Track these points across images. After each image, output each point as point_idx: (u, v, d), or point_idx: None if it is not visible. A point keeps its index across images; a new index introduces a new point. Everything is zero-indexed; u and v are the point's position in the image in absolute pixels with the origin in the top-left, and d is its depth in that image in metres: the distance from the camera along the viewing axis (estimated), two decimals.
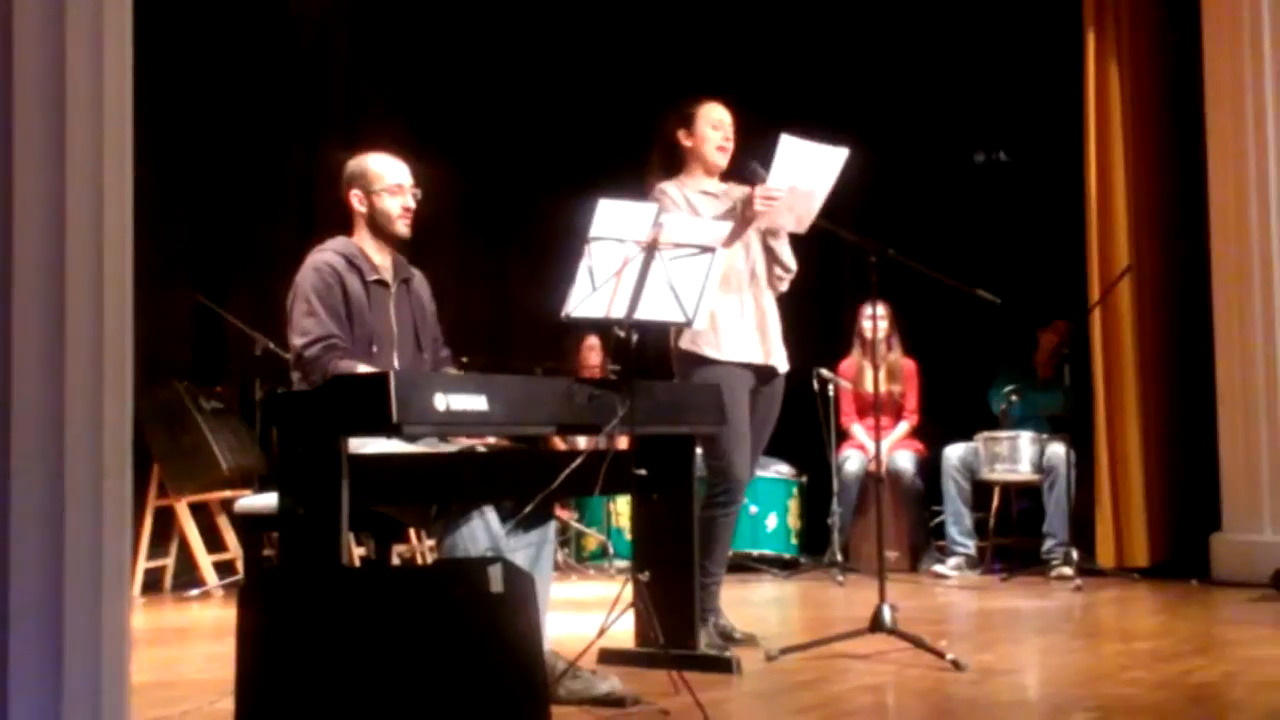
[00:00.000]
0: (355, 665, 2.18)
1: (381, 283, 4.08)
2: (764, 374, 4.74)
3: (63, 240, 2.30)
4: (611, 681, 3.67)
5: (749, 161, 4.62)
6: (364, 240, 4.12)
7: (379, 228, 4.10)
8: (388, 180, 4.09)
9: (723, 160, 4.75)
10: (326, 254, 4.02)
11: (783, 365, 4.81)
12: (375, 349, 3.96)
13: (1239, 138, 6.75)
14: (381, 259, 4.12)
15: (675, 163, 4.78)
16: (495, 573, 2.30)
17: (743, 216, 4.51)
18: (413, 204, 4.12)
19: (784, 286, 4.87)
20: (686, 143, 4.76)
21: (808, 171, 4.44)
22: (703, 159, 4.75)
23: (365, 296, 4.00)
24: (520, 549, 3.85)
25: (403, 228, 4.11)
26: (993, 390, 7.70)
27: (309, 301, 3.92)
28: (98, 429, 2.36)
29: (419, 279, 4.27)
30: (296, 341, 3.92)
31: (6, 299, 2.23)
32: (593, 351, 7.95)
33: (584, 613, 4.11)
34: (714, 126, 4.75)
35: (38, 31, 2.29)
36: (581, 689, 3.63)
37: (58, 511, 2.27)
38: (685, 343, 4.65)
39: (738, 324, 4.67)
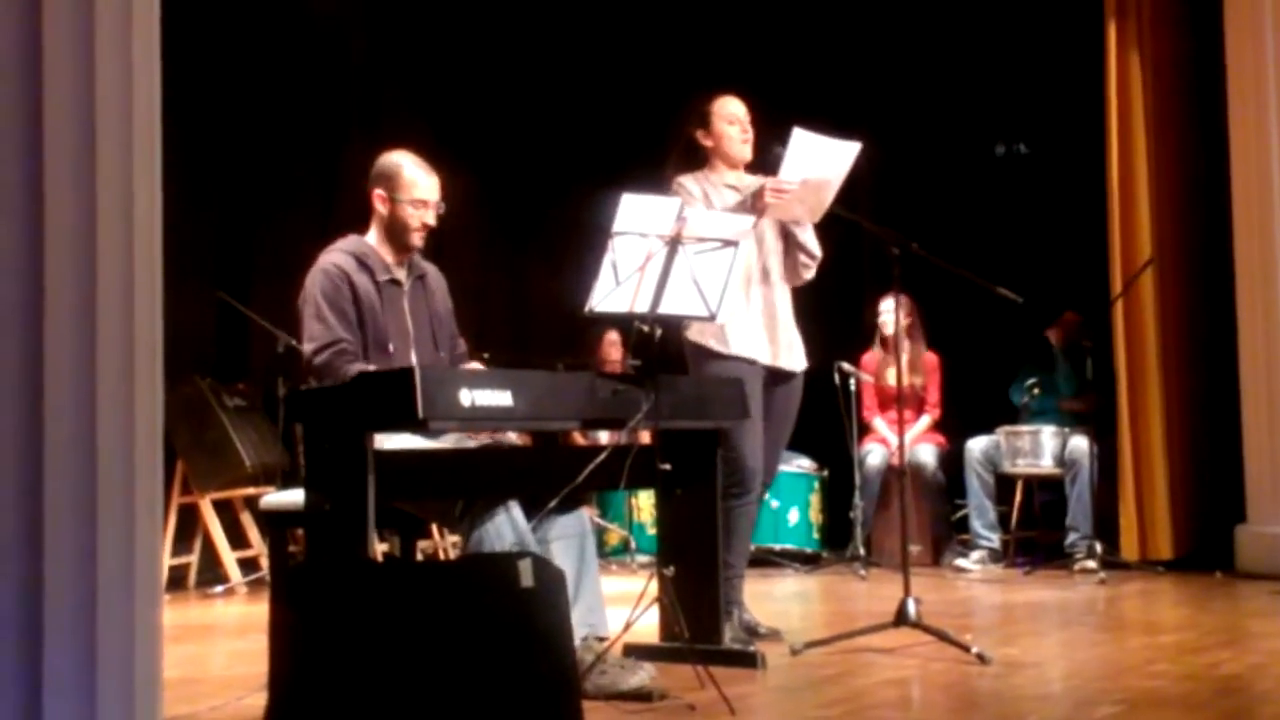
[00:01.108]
0: (388, 661, 2.18)
1: (394, 281, 4.07)
2: (776, 375, 4.74)
3: (94, 242, 2.31)
4: (641, 674, 3.67)
5: (773, 146, 4.63)
6: (378, 239, 4.10)
7: (393, 234, 4.08)
8: (414, 193, 4.05)
9: (746, 152, 4.76)
10: (335, 255, 4.00)
11: (797, 365, 4.80)
12: (391, 348, 3.95)
13: (1262, 128, 6.71)
14: (394, 259, 4.10)
15: (697, 159, 4.78)
16: (525, 567, 2.31)
17: (753, 208, 4.50)
18: (433, 222, 4.09)
19: (809, 275, 4.86)
20: (706, 142, 4.77)
21: (820, 164, 4.43)
22: (725, 155, 4.77)
23: (377, 296, 3.98)
24: (558, 540, 3.86)
25: (416, 240, 4.08)
26: (1014, 386, 7.68)
27: (317, 305, 3.91)
28: (129, 430, 2.37)
29: (434, 275, 4.24)
30: (306, 348, 3.92)
31: (39, 301, 2.24)
32: (614, 347, 7.97)
33: (608, 608, 4.12)
34: (730, 122, 4.76)
35: (67, 34, 2.31)
36: (609, 684, 3.63)
37: (90, 511, 2.28)
38: (693, 334, 4.65)
39: (743, 320, 4.66)
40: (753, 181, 4.73)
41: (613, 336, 8.00)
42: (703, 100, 4.80)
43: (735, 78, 4.99)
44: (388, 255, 4.09)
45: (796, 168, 4.42)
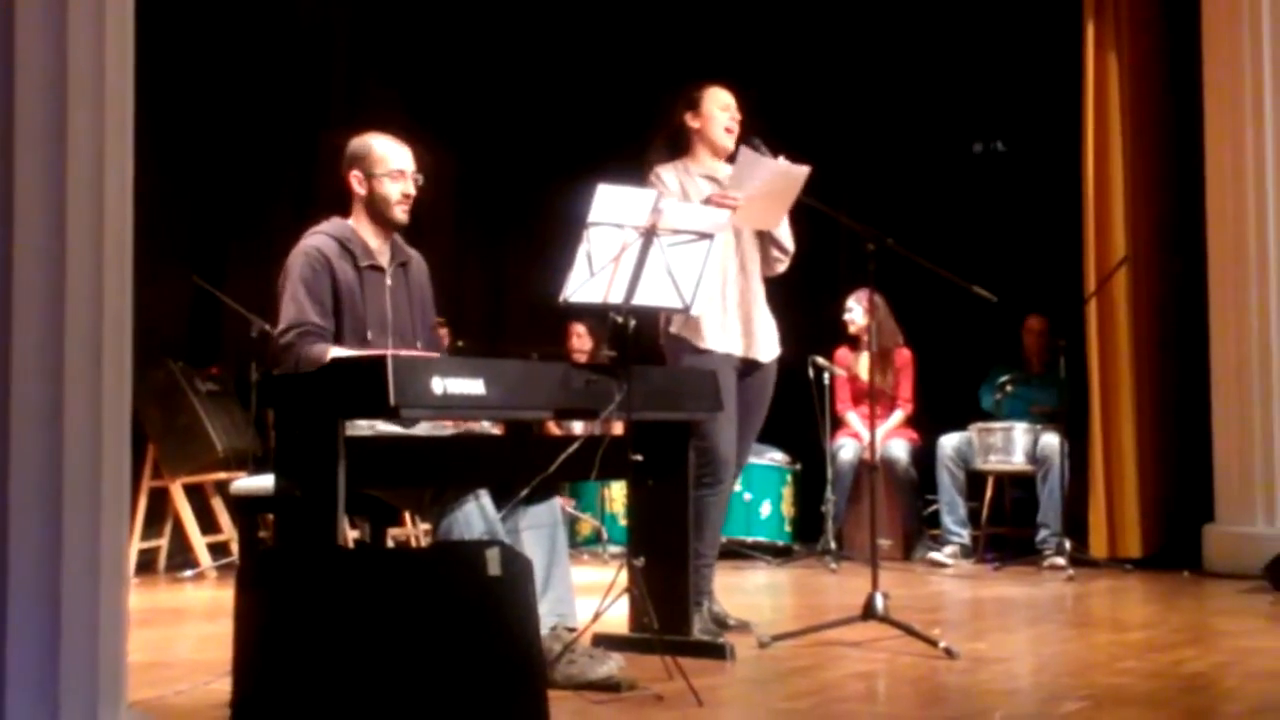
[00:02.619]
0: (354, 648, 2.18)
1: (376, 268, 4.02)
2: (748, 366, 4.76)
3: (63, 223, 2.30)
4: (609, 665, 3.66)
5: (750, 137, 4.65)
6: (360, 223, 4.05)
7: (377, 212, 4.04)
8: (390, 164, 4.02)
9: (730, 141, 4.76)
10: (319, 238, 3.96)
11: (769, 354, 4.82)
12: (370, 336, 3.92)
13: (1237, 129, 6.74)
14: (378, 242, 4.05)
15: (680, 146, 4.80)
16: (493, 556, 2.31)
17: None
18: (413, 191, 4.05)
19: (781, 268, 4.89)
20: (694, 124, 4.78)
21: (767, 182, 4.49)
22: (710, 140, 4.77)
23: (358, 283, 3.94)
24: (529, 530, 3.85)
25: (400, 214, 4.05)
26: (984, 387, 7.71)
27: (294, 287, 3.87)
28: (96, 412, 2.36)
29: (417, 262, 4.20)
30: (277, 328, 3.91)
31: (7, 282, 2.23)
32: (580, 338, 7.97)
33: (578, 597, 4.13)
34: (722, 108, 4.78)
35: (40, 13, 2.29)
36: (577, 673, 3.63)
37: (56, 494, 2.27)
38: (675, 327, 4.67)
39: (721, 317, 4.67)
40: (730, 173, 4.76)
41: (579, 328, 8.00)
42: (696, 85, 4.83)
43: (715, 71, 4.99)
44: (371, 239, 4.04)
45: (743, 183, 4.48)
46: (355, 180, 4.05)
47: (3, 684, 2.18)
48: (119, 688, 2.45)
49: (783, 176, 4.49)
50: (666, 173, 4.70)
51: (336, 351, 3.75)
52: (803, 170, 4.50)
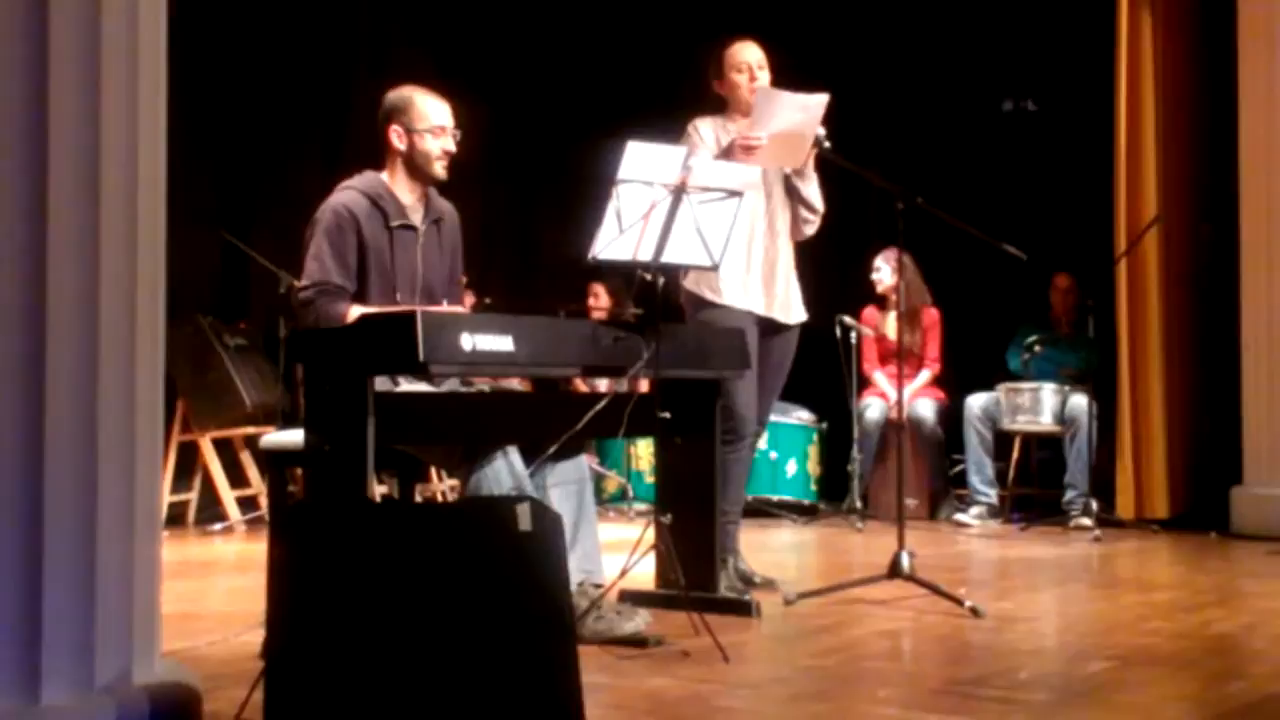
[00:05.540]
0: (385, 601, 2.20)
1: (407, 226, 3.97)
2: (769, 326, 4.75)
3: (96, 180, 2.31)
4: (636, 620, 3.69)
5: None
6: (395, 177, 3.99)
7: (416, 168, 3.98)
8: (432, 120, 3.95)
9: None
10: (350, 194, 3.91)
11: (792, 317, 4.81)
12: (399, 297, 3.91)
13: (1272, 88, 6.67)
14: (411, 199, 3.99)
15: (717, 105, 4.81)
16: (523, 511, 2.31)
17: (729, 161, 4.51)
18: (453, 148, 3.99)
19: (810, 230, 4.88)
20: (721, 91, 4.82)
21: (788, 118, 4.48)
22: (737, 103, 4.78)
23: (388, 242, 3.90)
24: (557, 486, 3.87)
25: (440, 170, 3.98)
26: (1011, 349, 7.68)
27: (318, 245, 3.83)
28: (130, 368, 2.38)
29: (450, 216, 4.14)
30: (299, 284, 3.90)
31: (42, 240, 2.24)
32: (597, 298, 7.99)
33: (605, 554, 4.16)
34: (739, 70, 4.78)
35: None
36: (605, 629, 3.65)
37: (90, 448, 2.29)
38: (689, 283, 4.67)
39: (741, 273, 4.67)
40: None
41: (596, 288, 8.02)
42: (719, 47, 4.84)
43: (748, 25, 4.97)
44: (405, 195, 3.98)
45: (763, 123, 4.47)
46: (395, 134, 3.98)
47: (39, 635, 2.21)
48: (153, 638, 2.48)
49: (800, 108, 4.49)
50: (704, 125, 4.72)
51: (357, 311, 3.72)
52: (821, 99, 4.49)
